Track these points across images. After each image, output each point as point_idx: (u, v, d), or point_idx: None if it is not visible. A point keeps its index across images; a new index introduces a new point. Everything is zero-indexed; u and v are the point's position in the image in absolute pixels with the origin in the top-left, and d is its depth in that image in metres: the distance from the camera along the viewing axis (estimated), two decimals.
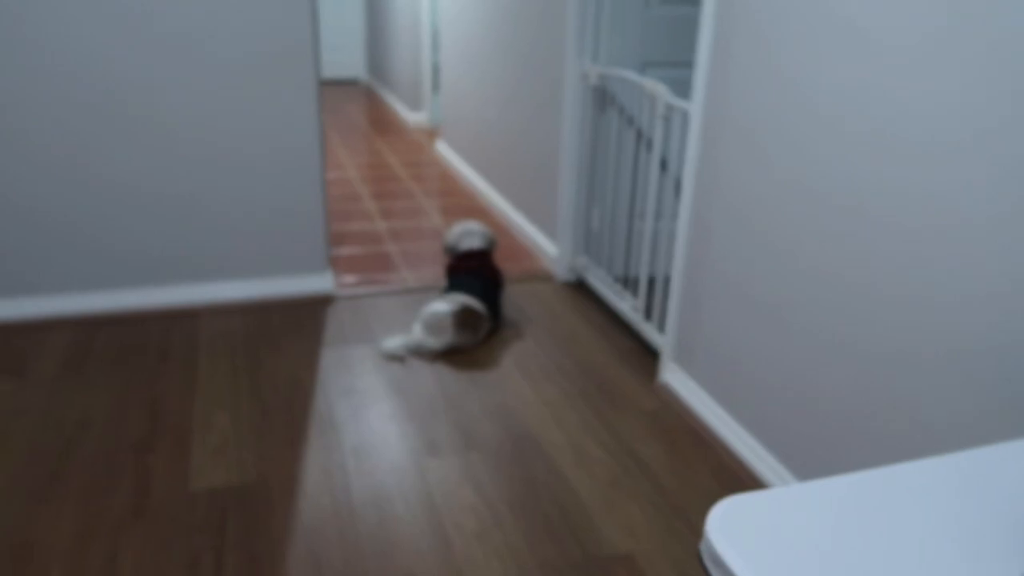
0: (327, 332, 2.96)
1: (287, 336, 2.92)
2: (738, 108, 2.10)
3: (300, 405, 2.47)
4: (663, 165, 2.71)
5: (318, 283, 3.21)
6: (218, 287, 3.08)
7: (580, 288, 3.43)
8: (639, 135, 2.94)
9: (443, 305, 2.82)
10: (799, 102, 1.91)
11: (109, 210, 2.85)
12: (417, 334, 2.82)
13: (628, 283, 3.03)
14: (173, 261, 3.00)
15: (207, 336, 2.88)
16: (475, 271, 2.96)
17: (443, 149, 5.54)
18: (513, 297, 3.32)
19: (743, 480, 2.13)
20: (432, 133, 6.30)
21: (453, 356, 2.79)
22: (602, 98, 3.08)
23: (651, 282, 2.88)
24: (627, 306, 2.96)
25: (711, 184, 2.27)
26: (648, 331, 2.82)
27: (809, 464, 1.96)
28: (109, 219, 2.86)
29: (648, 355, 2.83)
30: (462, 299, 2.82)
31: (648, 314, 2.86)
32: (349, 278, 3.47)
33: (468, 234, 3.06)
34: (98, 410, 2.35)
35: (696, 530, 1.94)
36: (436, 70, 6.25)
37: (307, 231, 3.13)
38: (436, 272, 3.58)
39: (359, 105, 7.25)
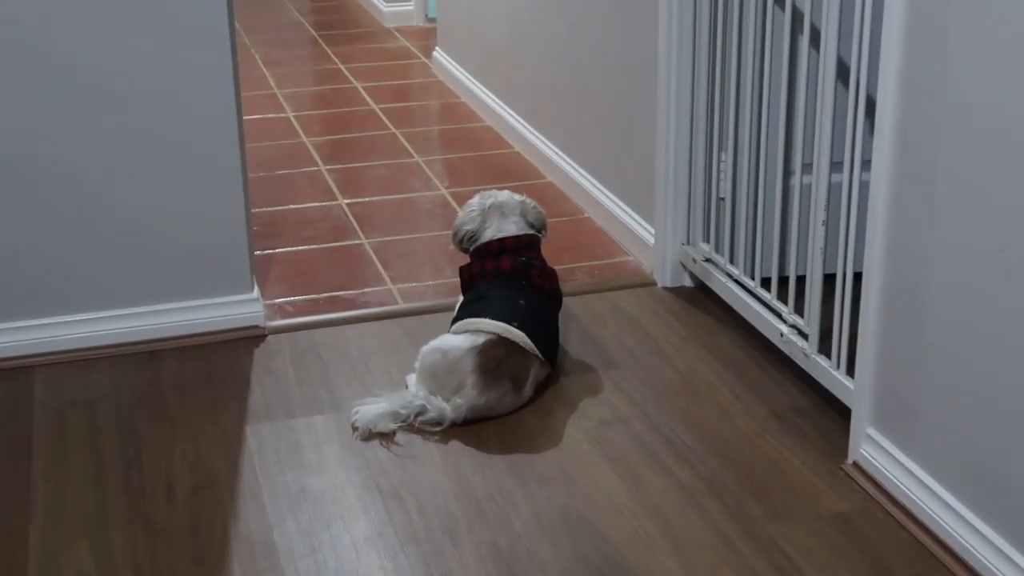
0: (257, 392, 2.98)
1: (188, 401, 2.93)
2: None
3: (215, 524, 2.47)
4: (841, 74, 2.69)
5: (237, 310, 3.24)
6: (63, 326, 3.14)
7: (698, 298, 3.42)
8: (794, 18, 2.92)
9: (458, 340, 2.83)
10: None
11: None
12: (415, 392, 2.83)
13: (785, 288, 3.00)
14: None
15: (49, 406, 2.91)
16: (512, 276, 2.97)
17: (444, 65, 5.59)
18: (581, 319, 3.32)
19: None
20: (425, 38, 6.36)
21: (479, 428, 2.79)
22: None
23: (827, 286, 2.85)
24: (786, 330, 2.94)
25: (933, 101, 2.25)
26: (824, 374, 2.79)
27: None
28: None
29: (827, 415, 2.81)
30: (491, 327, 2.83)
31: (824, 345, 2.84)
32: (291, 297, 3.50)
33: (497, 211, 3.07)
34: None
35: None
36: None
37: (214, 225, 3.17)
38: (444, 281, 3.60)
39: None
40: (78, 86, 2.96)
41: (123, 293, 3.16)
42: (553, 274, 3.05)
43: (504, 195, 3.10)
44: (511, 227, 3.04)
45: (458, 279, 3.10)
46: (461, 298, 3.05)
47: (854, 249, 2.64)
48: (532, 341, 2.83)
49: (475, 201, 3.11)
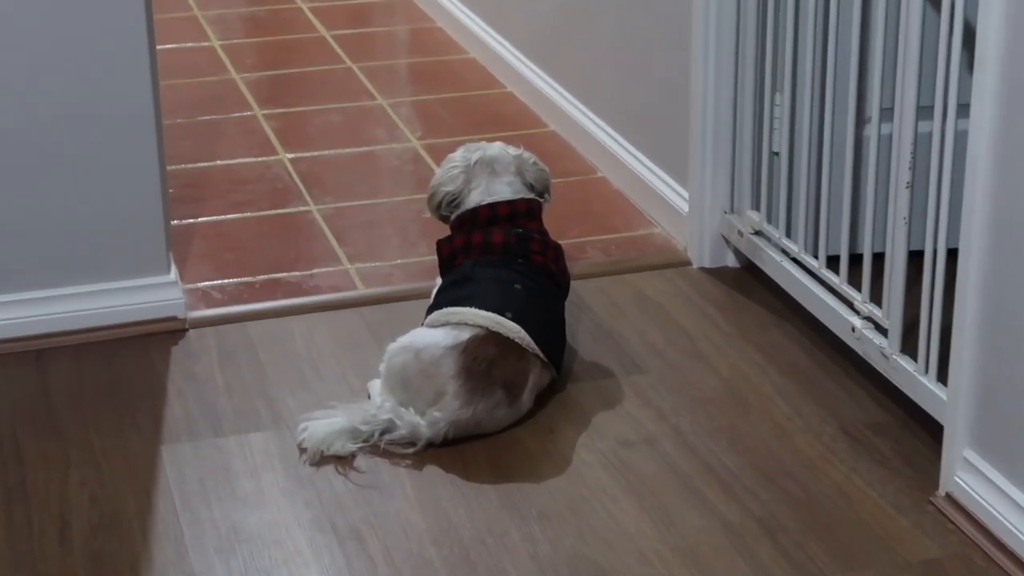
0: (175, 403, 2.96)
1: (86, 415, 2.91)
2: None
3: (122, 573, 2.45)
4: None
5: (148, 297, 3.23)
6: None
7: (746, 281, 3.41)
8: None
9: (436, 336, 2.82)
10: None
11: None
12: (379, 403, 2.82)
13: (858, 270, 3.00)
14: None
15: None
16: (505, 253, 2.96)
17: None
18: (594, 309, 3.31)
19: None
20: None
21: (464, 450, 2.78)
22: None
23: (913, 266, 2.85)
24: (859, 323, 2.94)
25: None
26: (909, 380, 2.79)
27: None
28: None
29: (912, 434, 2.81)
30: (478, 318, 2.82)
31: (909, 343, 2.83)
32: (218, 280, 3.48)
33: (486, 168, 3.05)
34: None
35: None
36: None
37: (118, 186, 3.15)
38: (416, 260, 3.58)
39: None
40: None
41: (0, 276, 3.14)
42: (558, 250, 3.05)
43: (495, 148, 3.10)
44: (504, 189, 3.04)
45: (435, 256, 3.09)
46: (439, 280, 3.05)
47: (947, 219, 2.64)
48: (531, 337, 2.82)
49: (458, 155, 3.11)
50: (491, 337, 2.79)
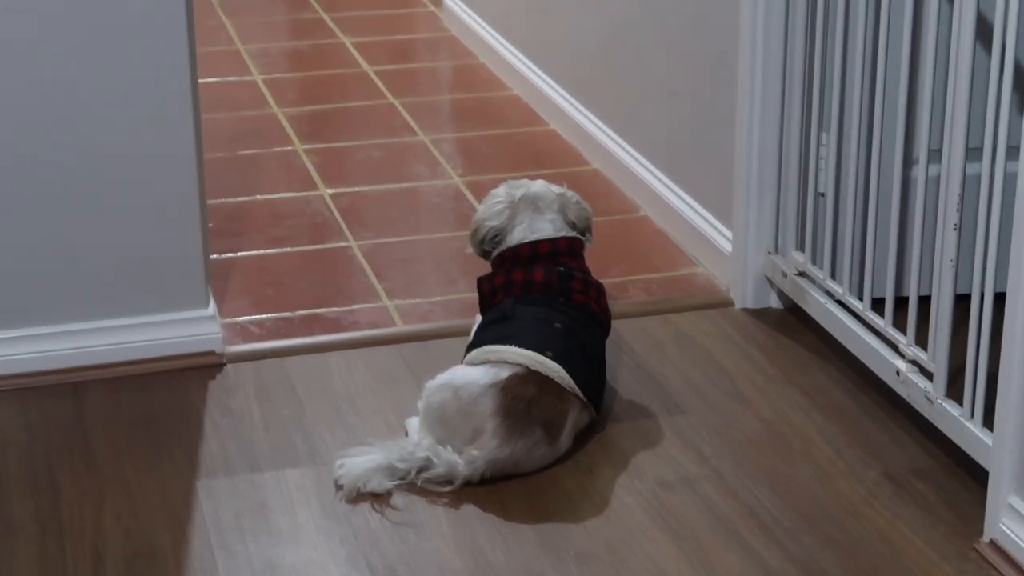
0: (211, 437, 2.97)
1: (121, 448, 2.93)
2: None
3: None
4: (982, 34, 2.68)
5: (186, 331, 3.25)
6: None
7: (789, 323, 3.41)
8: None
9: (475, 374, 2.83)
10: None
11: None
12: (417, 441, 2.82)
13: (903, 312, 2.99)
14: None
15: None
16: (546, 291, 2.97)
17: (458, 15, 5.59)
18: (635, 348, 3.31)
19: None
20: None
21: (501, 489, 2.78)
22: None
23: (959, 310, 2.83)
24: (904, 367, 2.93)
25: None
26: (954, 425, 2.77)
27: None
28: None
29: (956, 479, 2.79)
30: (518, 357, 2.83)
31: (954, 387, 2.80)
32: (256, 315, 3.49)
33: (530, 205, 3.06)
34: None
35: None
36: None
37: (158, 220, 3.17)
38: (455, 297, 3.59)
39: None
40: None
41: (39, 308, 3.16)
42: (600, 289, 3.05)
43: (538, 185, 3.11)
44: (547, 227, 3.05)
45: (475, 293, 3.10)
46: (479, 318, 3.06)
47: (995, 262, 2.63)
48: (571, 377, 2.83)
49: (502, 191, 3.12)
50: (531, 376, 2.79)
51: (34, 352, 3.16)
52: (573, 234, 3.07)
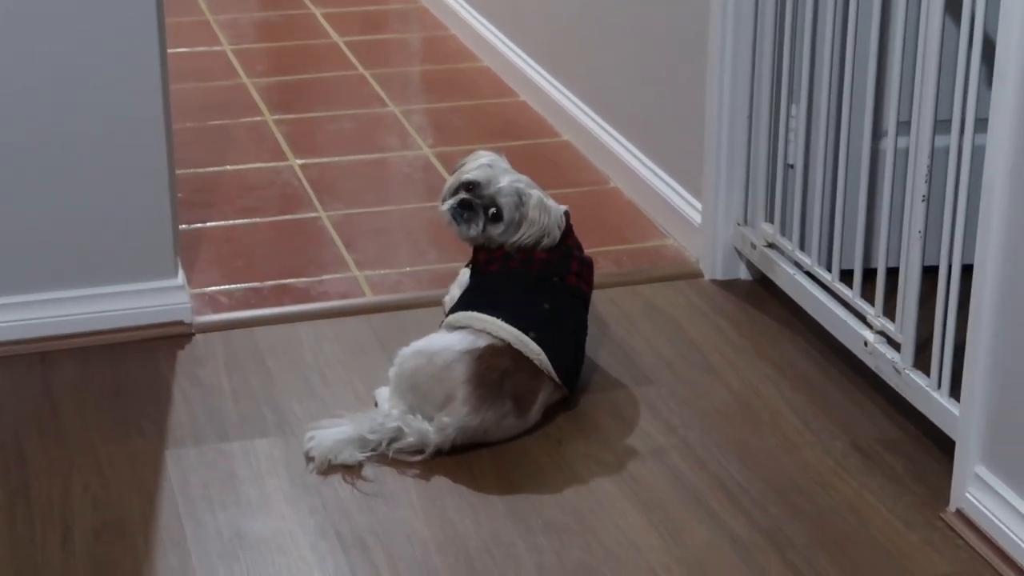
0: (180, 407, 2.97)
1: (90, 418, 2.93)
2: None
3: None
4: (951, 6, 2.69)
5: (155, 301, 3.25)
6: None
7: (758, 294, 3.43)
8: None
9: (451, 339, 2.84)
10: None
11: None
12: (387, 411, 2.83)
13: (872, 284, 3.00)
14: None
15: None
16: (544, 269, 2.96)
17: None
18: (606, 320, 3.32)
19: None
20: None
21: (471, 459, 2.79)
22: None
23: (927, 281, 2.83)
24: (872, 337, 2.94)
25: None
26: (921, 395, 2.79)
27: None
28: None
29: (923, 449, 2.81)
30: (501, 331, 2.83)
31: (922, 358, 2.83)
32: (226, 286, 3.49)
33: (503, 177, 2.99)
34: None
35: None
36: None
37: (127, 190, 3.17)
38: (425, 268, 3.59)
39: None
40: None
41: (6, 278, 3.16)
42: (591, 267, 3.05)
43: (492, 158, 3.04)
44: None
45: (446, 265, 3.09)
46: (464, 273, 3.06)
47: (963, 234, 2.64)
48: (550, 359, 2.84)
49: (479, 162, 3.00)
50: (508, 350, 2.80)
51: (2, 322, 3.15)
52: (564, 207, 3.05)
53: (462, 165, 3.02)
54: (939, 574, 2.48)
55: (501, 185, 2.93)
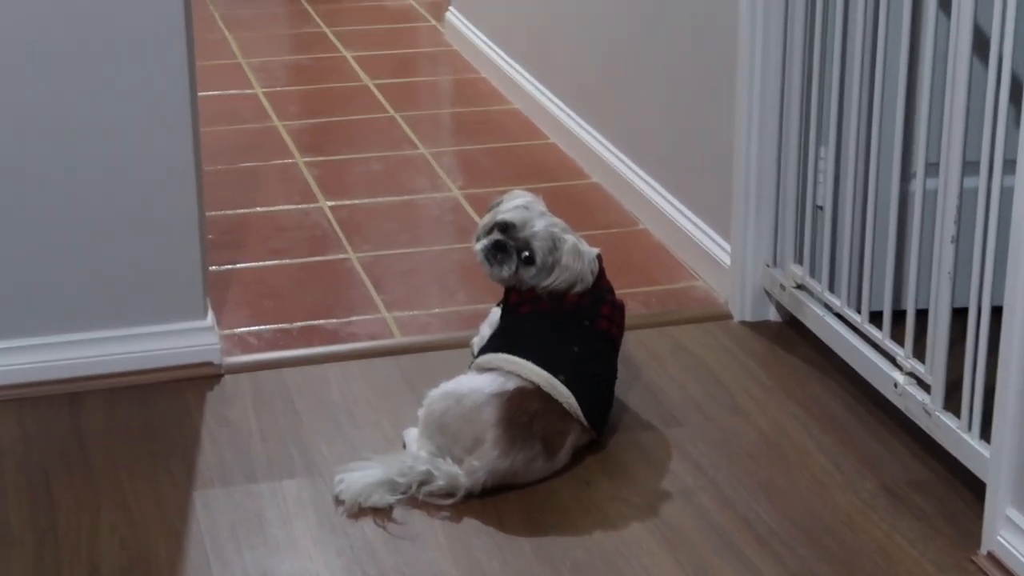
0: (208, 448, 2.98)
1: (118, 458, 2.93)
2: None
3: None
4: (979, 47, 2.69)
5: (184, 342, 3.26)
6: None
7: (787, 335, 3.42)
8: None
9: (480, 381, 2.84)
10: None
11: None
12: (415, 453, 2.83)
13: (901, 325, 2.98)
14: None
15: None
16: (576, 311, 2.96)
17: (460, 29, 5.59)
18: (634, 361, 3.31)
19: None
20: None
21: (499, 501, 2.79)
22: None
23: (957, 323, 2.83)
24: (902, 379, 2.93)
25: None
26: (951, 437, 2.77)
27: None
28: None
29: (954, 491, 2.80)
30: (531, 373, 2.83)
31: (952, 400, 2.80)
32: (255, 327, 3.50)
33: (538, 220, 2.98)
34: None
35: None
36: None
37: (157, 231, 3.18)
38: (454, 309, 3.60)
39: None
40: None
41: (38, 318, 3.16)
42: (623, 311, 3.05)
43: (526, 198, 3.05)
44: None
45: (474, 306, 3.10)
46: (494, 312, 3.06)
47: (992, 275, 2.63)
48: (579, 404, 2.84)
49: (514, 203, 3.00)
50: (537, 392, 2.80)
51: (32, 362, 3.16)
52: (597, 250, 3.05)
53: (498, 204, 3.02)
54: None
55: (536, 229, 2.92)
